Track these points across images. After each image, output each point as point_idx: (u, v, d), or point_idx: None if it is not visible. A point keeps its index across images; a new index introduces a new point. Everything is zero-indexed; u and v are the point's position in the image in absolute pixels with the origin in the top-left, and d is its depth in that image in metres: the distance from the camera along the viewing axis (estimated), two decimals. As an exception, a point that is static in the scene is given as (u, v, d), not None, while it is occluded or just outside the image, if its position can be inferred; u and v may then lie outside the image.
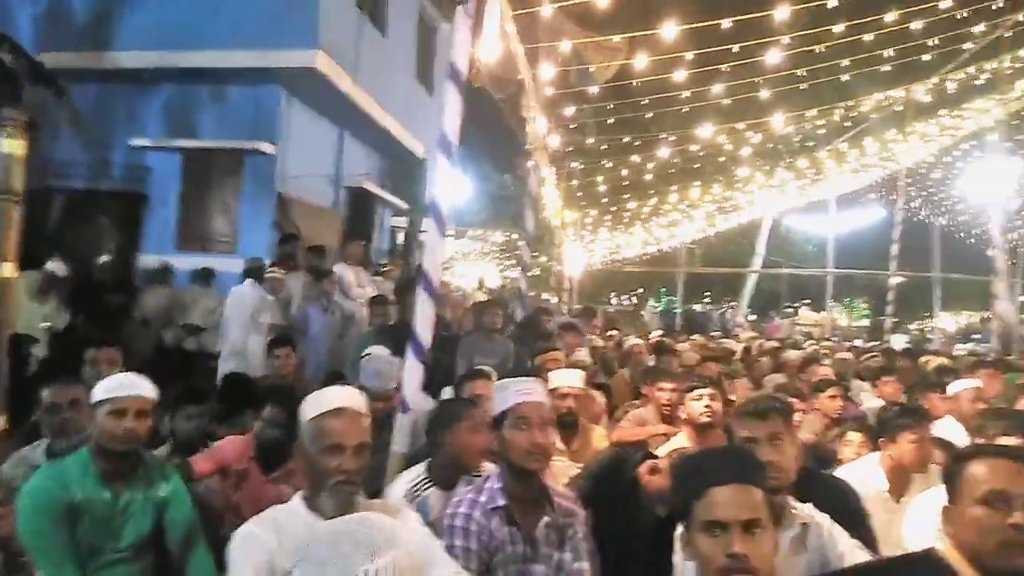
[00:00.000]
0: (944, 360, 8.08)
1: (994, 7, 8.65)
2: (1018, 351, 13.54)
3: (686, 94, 9.43)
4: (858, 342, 21.07)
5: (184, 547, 2.64)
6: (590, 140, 12.61)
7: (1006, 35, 9.51)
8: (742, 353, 9.73)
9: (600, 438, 4.26)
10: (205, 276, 8.14)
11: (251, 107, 8.96)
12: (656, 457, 2.86)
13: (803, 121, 12.15)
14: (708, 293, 36.60)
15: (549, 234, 17.03)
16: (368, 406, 2.02)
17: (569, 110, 9.92)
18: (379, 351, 4.46)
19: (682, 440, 3.80)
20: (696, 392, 3.70)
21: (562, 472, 3.85)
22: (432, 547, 1.96)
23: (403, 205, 12.24)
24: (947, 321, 30.24)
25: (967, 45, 9.96)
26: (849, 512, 2.49)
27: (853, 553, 2.13)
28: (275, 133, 8.95)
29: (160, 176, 9.16)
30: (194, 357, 7.41)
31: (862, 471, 3.23)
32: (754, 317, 32.33)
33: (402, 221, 12.83)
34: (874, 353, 9.07)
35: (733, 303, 29.17)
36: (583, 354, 5.77)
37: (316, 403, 1.94)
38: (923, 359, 8.37)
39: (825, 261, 22.97)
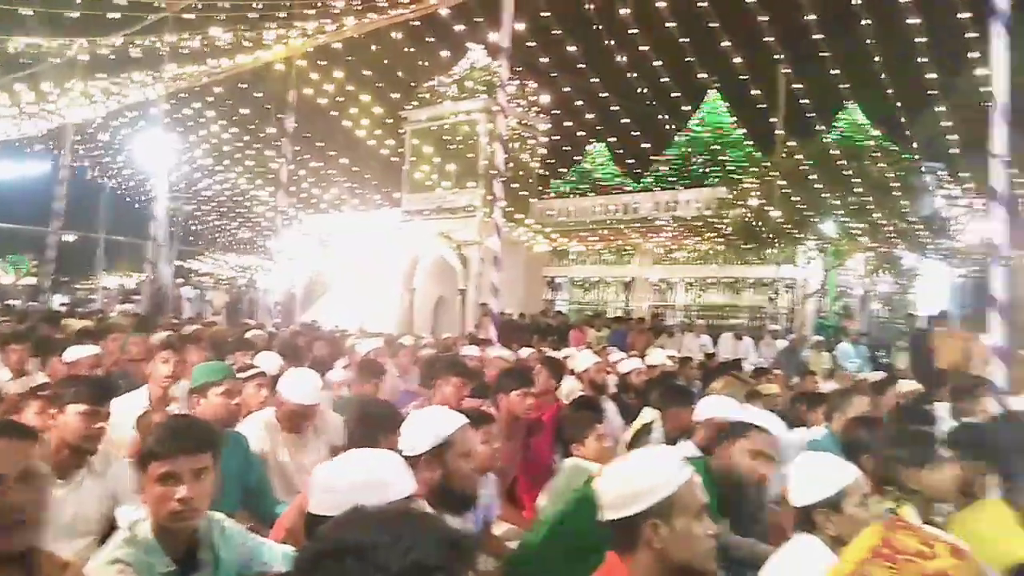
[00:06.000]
0: (87, 323, 8.35)
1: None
2: (171, 311, 15.04)
3: None
4: (17, 302, 19.67)
5: None
6: None
7: (154, 19, 10.13)
8: None
9: None
10: None
11: None
12: None
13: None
14: None
15: None
16: None
17: None
18: None
19: None
20: None
21: None
22: None
23: None
24: (112, 281, 30.78)
25: (112, 15, 9.96)
26: None
27: None
28: None
29: None
30: None
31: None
32: None
33: None
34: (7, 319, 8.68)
35: None
36: None
37: None
38: (66, 321, 8.57)
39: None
